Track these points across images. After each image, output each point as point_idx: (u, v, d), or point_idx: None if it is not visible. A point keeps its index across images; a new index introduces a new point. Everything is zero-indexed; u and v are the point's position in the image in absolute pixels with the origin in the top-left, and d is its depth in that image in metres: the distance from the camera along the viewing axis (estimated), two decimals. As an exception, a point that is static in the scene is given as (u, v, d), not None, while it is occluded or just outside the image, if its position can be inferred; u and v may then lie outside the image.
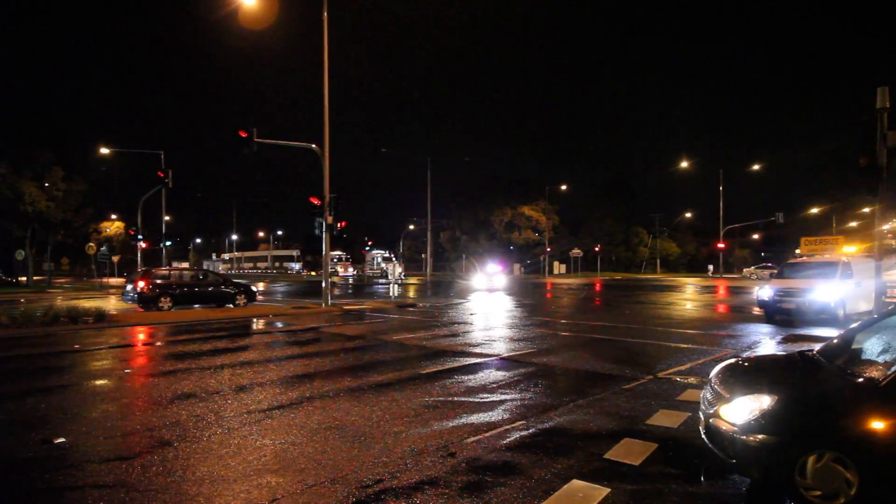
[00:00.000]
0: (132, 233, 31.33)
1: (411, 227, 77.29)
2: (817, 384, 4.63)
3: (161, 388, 8.02)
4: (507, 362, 9.97)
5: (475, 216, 78.68)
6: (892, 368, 4.16)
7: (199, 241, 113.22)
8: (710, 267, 72.23)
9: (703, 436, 4.71)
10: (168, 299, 19.79)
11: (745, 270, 66.60)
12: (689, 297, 30.44)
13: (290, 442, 5.55)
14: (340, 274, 71.29)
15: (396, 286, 31.32)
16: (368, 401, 7.17)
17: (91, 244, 39.31)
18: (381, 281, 53.54)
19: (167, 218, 34.10)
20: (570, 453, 5.22)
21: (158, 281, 20.22)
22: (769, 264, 61.97)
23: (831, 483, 3.97)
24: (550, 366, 9.61)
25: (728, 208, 58.83)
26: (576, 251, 65.30)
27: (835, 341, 5.39)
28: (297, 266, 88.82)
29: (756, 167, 56.77)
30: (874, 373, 4.30)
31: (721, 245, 59.68)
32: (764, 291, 16.62)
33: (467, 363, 9.86)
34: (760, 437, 4.13)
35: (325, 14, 20.70)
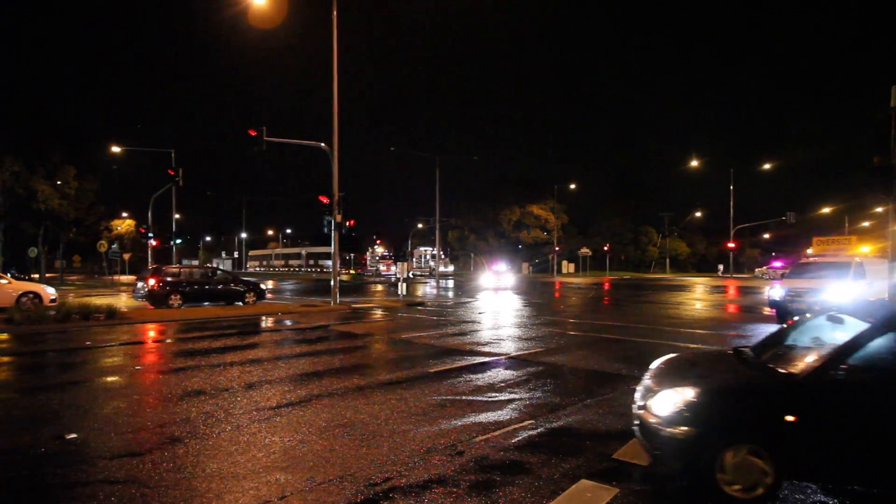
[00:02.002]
0: (143, 231, 31.53)
1: (420, 225, 77.28)
2: (740, 378, 4.68)
3: (171, 385, 8.08)
4: (515, 361, 9.95)
5: (484, 215, 78.64)
6: (811, 364, 4.27)
7: (208, 238, 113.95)
8: (721, 266, 71.80)
9: (636, 428, 4.77)
10: (178, 297, 19.91)
11: (756, 270, 66.10)
12: (698, 296, 30.25)
13: (298, 439, 5.57)
14: (382, 272, 70.52)
15: (405, 285, 31.35)
16: (377, 399, 7.18)
17: (102, 242, 39.63)
18: (429, 281, 52.30)
19: (177, 216, 34.30)
20: (578, 453, 5.21)
21: (168, 279, 20.36)
22: (776, 264, 61.46)
23: (749, 475, 4.05)
24: (559, 365, 9.58)
25: (738, 208, 58.53)
26: (584, 250, 65.08)
27: (768, 338, 5.48)
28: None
29: (767, 166, 56.27)
30: (796, 368, 4.39)
31: (731, 245, 59.30)
32: (775, 291, 16.49)
33: (476, 362, 9.86)
34: (682, 429, 4.21)
35: (335, 13, 20.75)
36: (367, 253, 79.73)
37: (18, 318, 14.34)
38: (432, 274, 66.10)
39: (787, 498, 4.33)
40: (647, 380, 5.05)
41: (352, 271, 77.30)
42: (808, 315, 5.41)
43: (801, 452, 4.06)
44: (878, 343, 4.26)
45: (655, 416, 4.43)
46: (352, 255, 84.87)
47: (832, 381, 4.10)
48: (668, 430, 4.27)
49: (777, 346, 5.14)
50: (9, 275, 29.66)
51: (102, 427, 5.99)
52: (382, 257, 75.89)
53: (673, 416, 4.29)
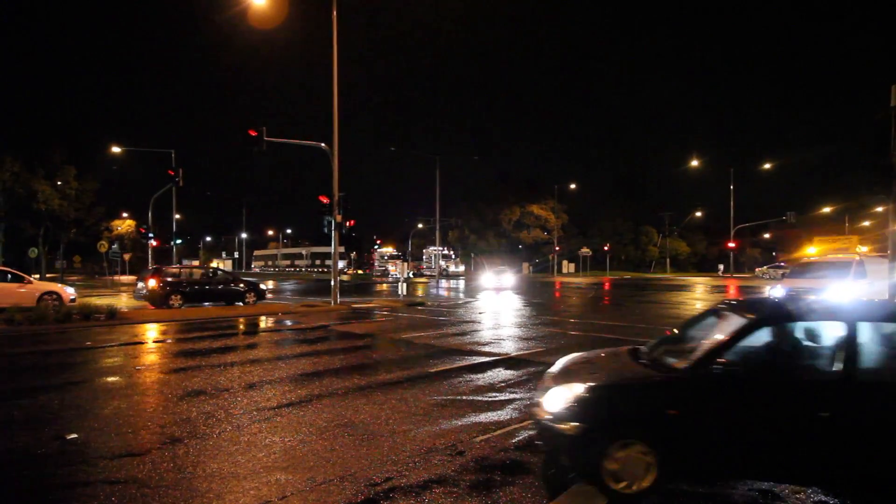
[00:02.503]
0: (143, 231, 31.51)
1: (420, 225, 77.26)
2: (627, 373, 4.73)
3: (171, 385, 8.08)
4: (515, 361, 9.95)
5: (484, 215, 78.57)
6: (691, 359, 4.34)
7: (209, 239, 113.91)
8: (721, 266, 71.70)
9: (535, 426, 4.83)
10: (178, 297, 19.92)
11: (757, 270, 66.06)
12: (699, 296, 30.23)
13: (299, 440, 5.57)
14: (391, 272, 69.43)
15: (405, 285, 31.36)
16: (377, 399, 7.19)
17: (103, 242, 39.57)
18: (430, 281, 51.57)
19: (178, 216, 34.33)
20: (579, 453, 5.20)
21: (169, 279, 20.37)
22: (782, 263, 61.38)
23: (634, 470, 4.10)
24: (559, 365, 9.57)
25: (739, 207, 58.47)
26: (585, 250, 65.03)
27: (665, 336, 5.53)
28: (341, 264, 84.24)
29: (767, 166, 56.21)
30: (680, 364, 4.44)
31: (732, 244, 59.24)
32: (776, 291, 16.51)
33: (476, 362, 9.86)
34: (570, 424, 4.27)
35: (334, 13, 20.75)
36: (375, 253, 78.92)
37: (19, 318, 14.35)
38: (442, 274, 65.86)
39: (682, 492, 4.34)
40: (546, 378, 5.10)
41: (358, 271, 76.59)
42: (704, 311, 5.41)
43: (682, 446, 4.11)
44: (753, 338, 4.37)
45: (547, 412, 4.49)
46: (353, 254, 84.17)
47: (709, 376, 4.16)
48: (559, 426, 4.33)
49: (671, 343, 5.17)
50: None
51: (103, 427, 5.99)
52: (391, 257, 74.37)
53: (563, 412, 4.35)
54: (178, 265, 28.20)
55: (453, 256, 73.55)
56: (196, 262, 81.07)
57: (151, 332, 14.26)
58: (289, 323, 16.43)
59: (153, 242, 31.24)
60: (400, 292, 27.59)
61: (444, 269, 69.59)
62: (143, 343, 12.49)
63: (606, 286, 42.01)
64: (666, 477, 4.15)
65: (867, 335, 4.28)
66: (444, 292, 33.22)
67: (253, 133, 19.86)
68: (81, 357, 10.67)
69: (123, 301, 23.26)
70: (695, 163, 50.40)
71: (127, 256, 38.65)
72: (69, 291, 18.85)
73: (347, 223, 21.33)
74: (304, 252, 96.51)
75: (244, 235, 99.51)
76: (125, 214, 70.01)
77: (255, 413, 6.52)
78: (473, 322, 16.32)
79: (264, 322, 16.65)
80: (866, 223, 50.72)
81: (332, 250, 21.97)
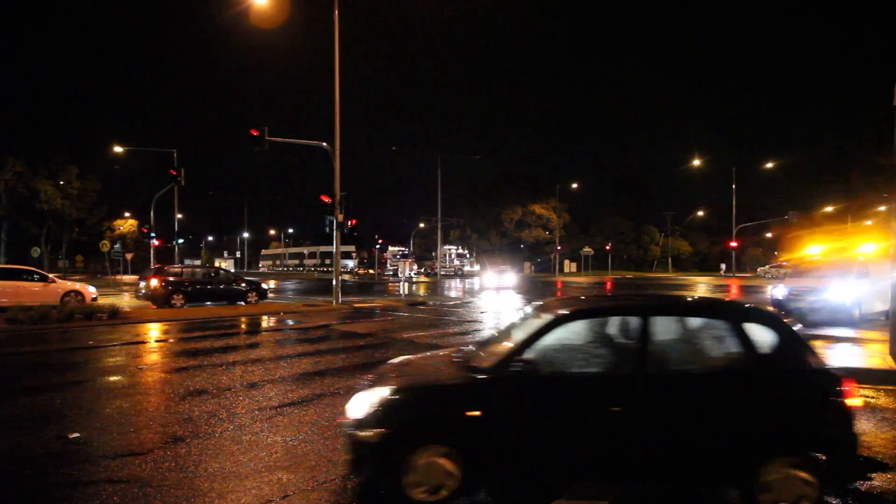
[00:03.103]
0: (145, 231, 31.55)
1: (422, 225, 77.27)
2: (435, 375, 4.60)
3: (173, 384, 8.10)
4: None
5: (485, 214, 78.60)
6: (494, 359, 4.26)
7: (210, 238, 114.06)
8: (723, 266, 71.58)
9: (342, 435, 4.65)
10: (180, 297, 19.93)
11: (759, 269, 65.93)
12: (701, 295, 30.19)
13: (300, 439, 5.58)
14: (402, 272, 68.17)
15: (407, 284, 31.37)
16: (379, 398, 7.18)
17: (105, 242, 39.53)
18: (433, 280, 50.73)
19: (180, 216, 34.35)
20: (580, 452, 5.18)
21: (171, 278, 20.38)
22: (784, 263, 61.21)
23: (435, 476, 3.95)
24: (561, 364, 9.55)
25: (741, 207, 58.35)
26: (586, 249, 64.99)
27: (490, 336, 5.34)
28: (351, 263, 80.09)
29: (769, 165, 56.12)
30: (484, 364, 4.32)
31: (734, 244, 59.13)
32: (778, 290, 16.46)
33: (477, 361, 9.83)
34: (373, 430, 4.04)
35: (336, 13, 20.76)
36: (385, 251, 78.31)
37: (21, 318, 14.39)
38: (457, 273, 65.47)
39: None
40: (363, 383, 4.92)
41: (369, 271, 75.70)
42: (528, 311, 5.21)
43: (486, 449, 3.99)
44: (553, 336, 4.28)
45: (351, 418, 4.26)
46: (359, 253, 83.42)
47: (510, 375, 4.06)
48: (361, 433, 4.08)
49: (489, 344, 4.99)
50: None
51: (105, 426, 6.01)
52: (404, 256, 73.24)
53: (366, 417, 4.11)
54: (180, 265, 28.22)
55: (468, 256, 73.11)
56: (198, 262, 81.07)
57: (153, 331, 14.28)
58: (290, 322, 16.44)
59: (155, 242, 31.30)
60: (402, 291, 27.59)
61: (460, 269, 69.34)
62: (145, 342, 12.51)
63: (608, 286, 41.98)
64: (471, 481, 4.03)
65: (658, 329, 4.27)
66: (446, 292, 33.22)
67: (255, 132, 19.89)
68: (83, 356, 10.69)
69: (125, 300, 23.28)
70: (697, 162, 50.40)
71: (129, 256, 38.68)
72: (91, 290, 19.08)
73: (349, 223, 21.35)
74: (305, 251, 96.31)
75: (246, 235, 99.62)
76: (127, 214, 70.25)
77: (256, 412, 6.53)
78: (475, 321, 16.32)
79: (266, 321, 16.67)
80: (868, 222, 50.58)
81: (334, 249, 22.01)
